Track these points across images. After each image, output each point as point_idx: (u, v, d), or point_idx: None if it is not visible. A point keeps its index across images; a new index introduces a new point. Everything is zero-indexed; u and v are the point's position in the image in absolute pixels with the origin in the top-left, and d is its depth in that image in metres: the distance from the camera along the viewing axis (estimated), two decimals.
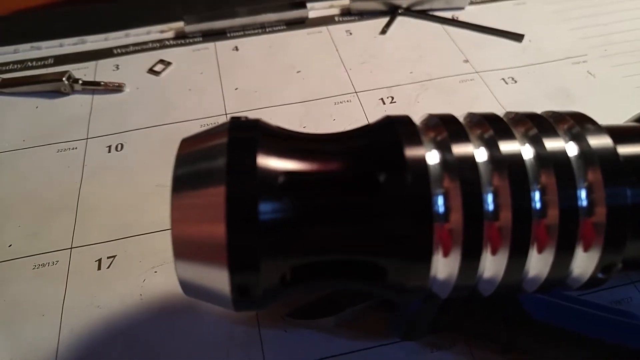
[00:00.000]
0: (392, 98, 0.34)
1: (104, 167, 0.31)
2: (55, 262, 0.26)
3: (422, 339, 0.22)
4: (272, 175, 0.16)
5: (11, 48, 0.40)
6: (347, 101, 0.34)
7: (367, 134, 0.18)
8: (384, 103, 0.34)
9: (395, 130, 0.17)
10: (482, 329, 0.21)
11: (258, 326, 0.23)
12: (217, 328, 0.23)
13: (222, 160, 0.16)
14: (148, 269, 0.25)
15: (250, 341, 0.22)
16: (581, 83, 0.35)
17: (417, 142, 0.17)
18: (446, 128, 0.18)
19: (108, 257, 0.26)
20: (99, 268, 0.26)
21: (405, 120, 0.18)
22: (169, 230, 0.26)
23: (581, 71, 0.36)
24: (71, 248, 0.27)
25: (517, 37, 0.39)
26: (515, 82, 0.35)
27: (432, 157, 0.17)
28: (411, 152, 0.17)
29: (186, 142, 0.18)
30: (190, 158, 0.17)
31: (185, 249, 0.17)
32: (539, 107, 0.21)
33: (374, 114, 0.33)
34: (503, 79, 0.35)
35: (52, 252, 0.26)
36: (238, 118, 0.18)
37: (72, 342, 0.23)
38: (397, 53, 0.38)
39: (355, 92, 0.35)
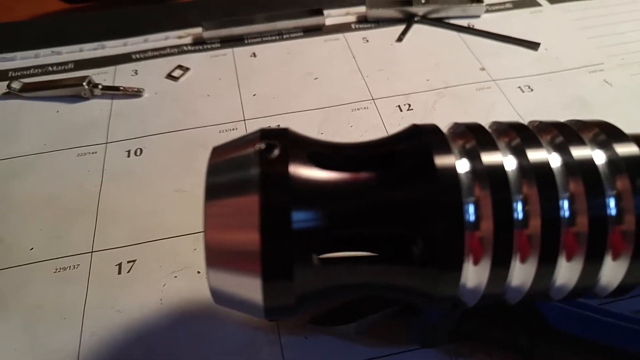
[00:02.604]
0: (409, 105, 0.35)
1: (124, 172, 0.31)
2: (76, 266, 0.26)
3: (442, 347, 0.22)
4: (304, 183, 0.16)
5: (32, 53, 0.41)
6: (365, 108, 0.35)
7: (395, 142, 0.19)
8: (401, 110, 0.34)
9: (424, 139, 0.18)
10: (502, 337, 0.21)
11: (278, 332, 0.23)
12: (237, 334, 0.23)
13: (255, 169, 0.16)
14: (168, 273, 0.25)
15: (271, 347, 0.22)
16: (598, 92, 0.35)
17: (446, 150, 0.17)
18: (474, 136, 0.18)
19: (128, 262, 0.26)
20: (119, 272, 0.26)
21: (434, 129, 0.18)
22: (188, 236, 0.27)
23: (598, 80, 0.36)
24: (92, 252, 0.27)
25: (533, 46, 0.39)
26: (532, 90, 0.35)
27: (462, 166, 0.17)
28: (441, 160, 0.17)
29: (217, 151, 0.18)
30: (222, 167, 0.17)
31: (218, 257, 0.17)
32: (555, 116, 0.21)
33: (391, 121, 0.33)
34: (519, 87, 0.35)
35: (73, 255, 0.27)
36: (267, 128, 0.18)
37: (93, 346, 0.23)
38: (414, 60, 0.38)
39: (373, 99, 0.35)
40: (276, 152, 0.16)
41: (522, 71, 0.37)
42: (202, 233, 0.27)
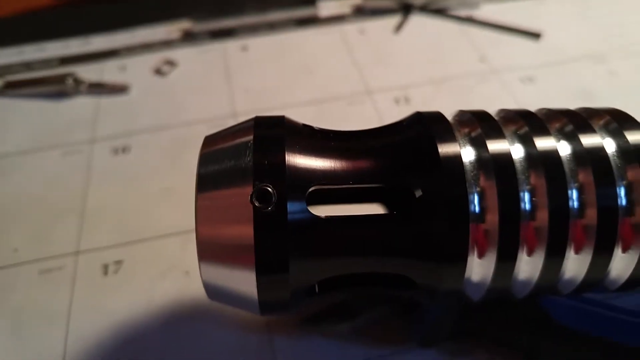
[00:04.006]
0: (407, 98, 0.34)
1: (110, 171, 0.30)
2: (61, 268, 0.25)
3: (441, 346, 0.21)
4: (300, 174, 0.16)
5: (16, 50, 0.40)
6: (361, 102, 0.34)
7: (398, 130, 0.18)
8: (398, 103, 0.33)
9: (427, 126, 0.17)
10: (503, 335, 0.21)
11: (270, 334, 0.22)
12: (227, 336, 0.22)
13: (248, 158, 0.16)
14: (156, 274, 0.25)
15: (262, 349, 0.22)
16: (602, 83, 0.34)
17: (451, 138, 0.16)
18: (480, 124, 0.17)
19: (115, 262, 0.25)
20: (106, 273, 0.25)
21: (437, 116, 0.18)
22: (177, 235, 0.26)
23: (602, 71, 0.35)
24: (77, 253, 0.26)
25: (535, 36, 0.38)
26: (533, 81, 0.34)
27: (467, 154, 0.16)
28: (445, 148, 0.16)
29: (210, 140, 0.18)
30: (214, 156, 0.17)
31: (210, 251, 0.16)
32: (559, 107, 0.20)
33: (388, 115, 0.33)
34: (520, 78, 0.35)
35: (58, 256, 0.26)
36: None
37: (80, 349, 0.22)
38: (411, 52, 0.37)
39: (369, 93, 0.34)
40: (271, 204, 0.15)
41: (523, 62, 0.36)
42: (190, 232, 0.26)
